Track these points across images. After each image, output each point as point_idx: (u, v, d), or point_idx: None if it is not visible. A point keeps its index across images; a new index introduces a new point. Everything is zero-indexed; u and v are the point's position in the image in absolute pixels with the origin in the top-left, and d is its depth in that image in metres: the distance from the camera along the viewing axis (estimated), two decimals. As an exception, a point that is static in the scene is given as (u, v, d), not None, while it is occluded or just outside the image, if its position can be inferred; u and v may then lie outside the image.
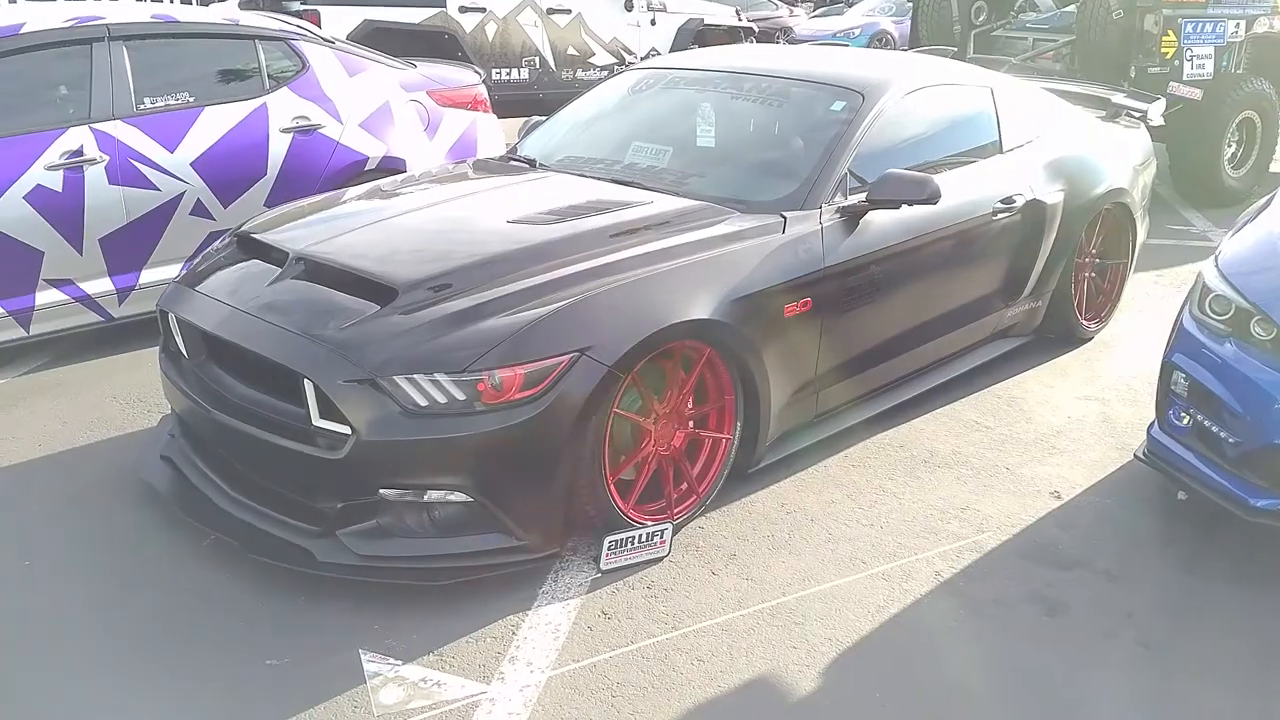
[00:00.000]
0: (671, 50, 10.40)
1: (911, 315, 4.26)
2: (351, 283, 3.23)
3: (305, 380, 2.98)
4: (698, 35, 10.65)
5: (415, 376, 2.94)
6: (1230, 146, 8.08)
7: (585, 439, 3.08)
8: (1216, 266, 3.50)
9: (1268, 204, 3.84)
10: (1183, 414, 3.46)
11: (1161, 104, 5.87)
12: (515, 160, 4.58)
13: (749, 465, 3.69)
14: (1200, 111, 7.73)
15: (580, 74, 9.85)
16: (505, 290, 3.16)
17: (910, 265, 4.12)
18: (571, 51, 9.82)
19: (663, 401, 3.35)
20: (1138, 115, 5.73)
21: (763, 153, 4.22)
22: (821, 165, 3.92)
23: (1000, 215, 4.49)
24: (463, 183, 4.25)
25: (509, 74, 9.47)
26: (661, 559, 3.28)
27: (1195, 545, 3.47)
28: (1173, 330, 3.77)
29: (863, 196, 3.88)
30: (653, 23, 10.28)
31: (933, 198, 3.83)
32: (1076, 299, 5.15)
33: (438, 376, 2.94)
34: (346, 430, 2.93)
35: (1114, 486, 3.84)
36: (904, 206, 3.91)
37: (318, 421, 3.00)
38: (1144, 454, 3.60)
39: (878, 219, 3.93)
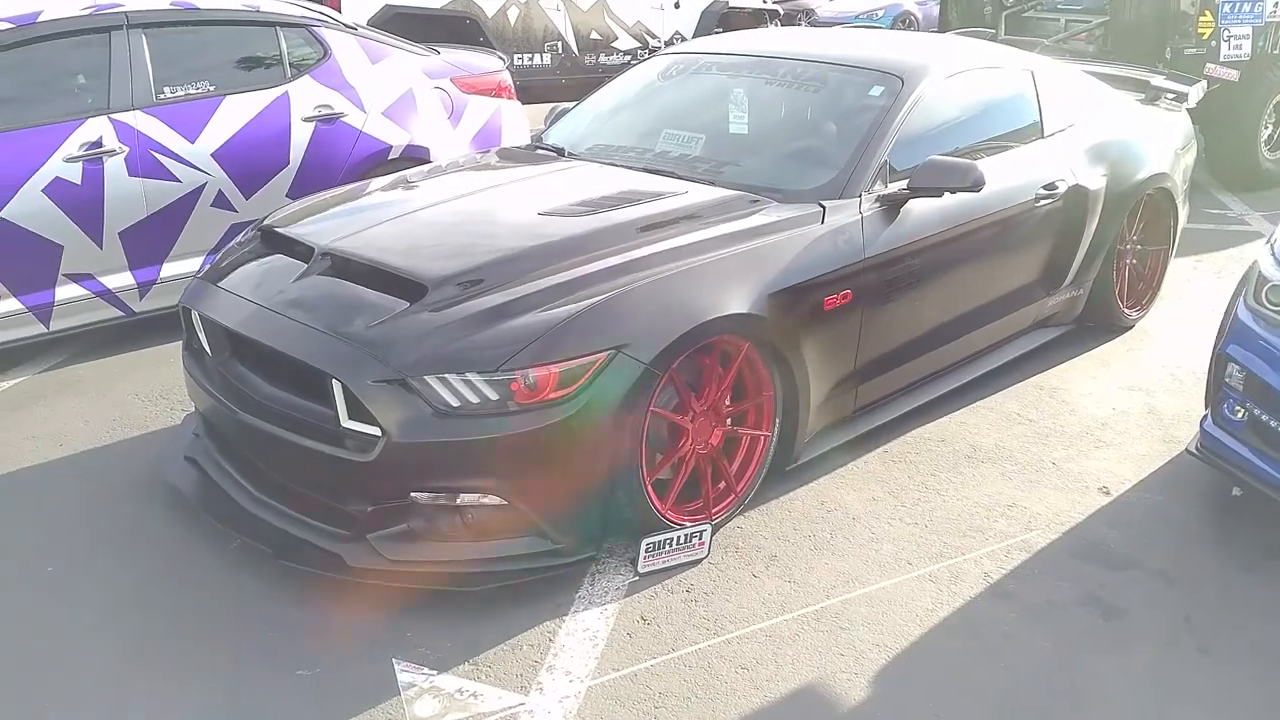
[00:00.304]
0: (696, 34, 10.26)
1: (952, 306, 4.14)
2: (379, 279, 3.13)
3: (333, 380, 2.88)
4: (722, 18, 10.51)
5: (447, 376, 2.84)
6: (1267, 128, 7.89)
7: (622, 439, 2.98)
8: (1274, 255, 3.36)
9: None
10: (1237, 408, 3.33)
11: (1202, 86, 5.71)
12: (543, 149, 4.47)
13: (787, 462, 3.59)
14: (1237, 93, 7.53)
15: (603, 59, 9.73)
16: (538, 286, 3.06)
17: (951, 255, 4.00)
18: (594, 36, 9.70)
19: (700, 399, 3.25)
20: (1177, 98, 5.59)
21: (799, 140, 4.10)
22: (860, 152, 3.80)
23: (1043, 202, 4.35)
24: (490, 173, 4.15)
25: (531, 59, 9.36)
26: (700, 561, 3.18)
27: (1252, 543, 3.34)
28: (1225, 320, 3.64)
29: (903, 184, 3.76)
30: (676, 6, 10.14)
31: (976, 185, 3.71)
32: (1118, 287, 5.01)
33: (470, 376, 2.84)
34: (376, 432, 2.84)
35: (1164, 481, 3.72)
36: (946, 195, 3.78)
37: (346, 423, 2.91)
38: (1197, 449, 3.47)
39: (918, 207, 3.81)
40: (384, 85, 5.62)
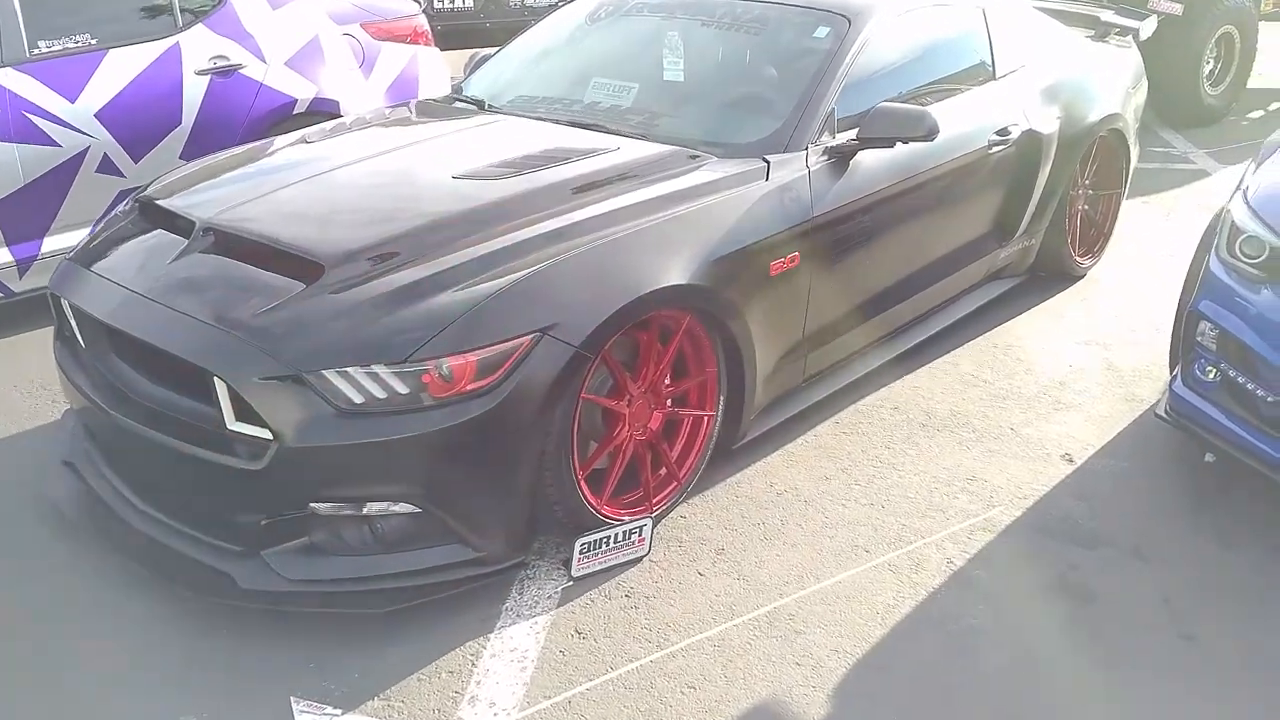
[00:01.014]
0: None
1: (904, 263, 3.88)
2: (270, 257, 2.77)
3: (215, 378, 2.53)
4: (650, -44, 10.04)
5: (349, 369, 2.50)
6: (1209, 64, 7.72)
7: (550, 431, 2.67)
8: (1247, 204, 3.13)
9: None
10: (1209, 368, 3.11)
11: (1153, 21, 5.47)
12: (461, 101, 4.09)
13: (733, 441, 3.32)
14: (1181, 27, 7.33)
15: (529, 1, 9.25)
16: (453, 261, 2.72)
17: (903, 209, 3.73)
18: (517, -24, 9.20)
19: (638, 380, 2.95)
20: (1125, 32, 5.34)
21: (740, 88, 3.77)
22: (806, 101, 3.48)
23: (995, 148, 4.09)
24: (399, 130, 3.77)
25: (453, 2, 8.86)
26: (641, 559, 2.90)
27: (1229, 514, 3.15)
28: (1193, 274, 3.43)
29: (852, 135, 3.46)
30: (602, -57, 9.66)
31: (931, 133, 3.43)
32: (1070, 234, 4.79)
33: (376, 368, 2.51)
34: (267, 435, 2.50)
35: (1131, 447, 3.51)
36: (897, 145, 3.50)
37: (233, 425, 2.56)
38: (1166, 411, 3.26)
39: (868, 159, 3.53)
40: (287, 33, 5.17)
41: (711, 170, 3.24)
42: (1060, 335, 4.37)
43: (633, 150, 3.33)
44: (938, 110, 3.76)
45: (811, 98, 3.49)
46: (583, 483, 2.82)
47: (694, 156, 3.30)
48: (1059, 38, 4.84)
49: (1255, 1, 7.74)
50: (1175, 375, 3.25)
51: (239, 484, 2.58)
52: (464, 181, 3.12)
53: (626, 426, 2.95)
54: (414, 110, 4.08)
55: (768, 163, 3.30)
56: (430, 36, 5.89)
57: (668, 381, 3.07)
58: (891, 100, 3.72)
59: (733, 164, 3.27)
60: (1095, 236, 5.02)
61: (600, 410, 2.91)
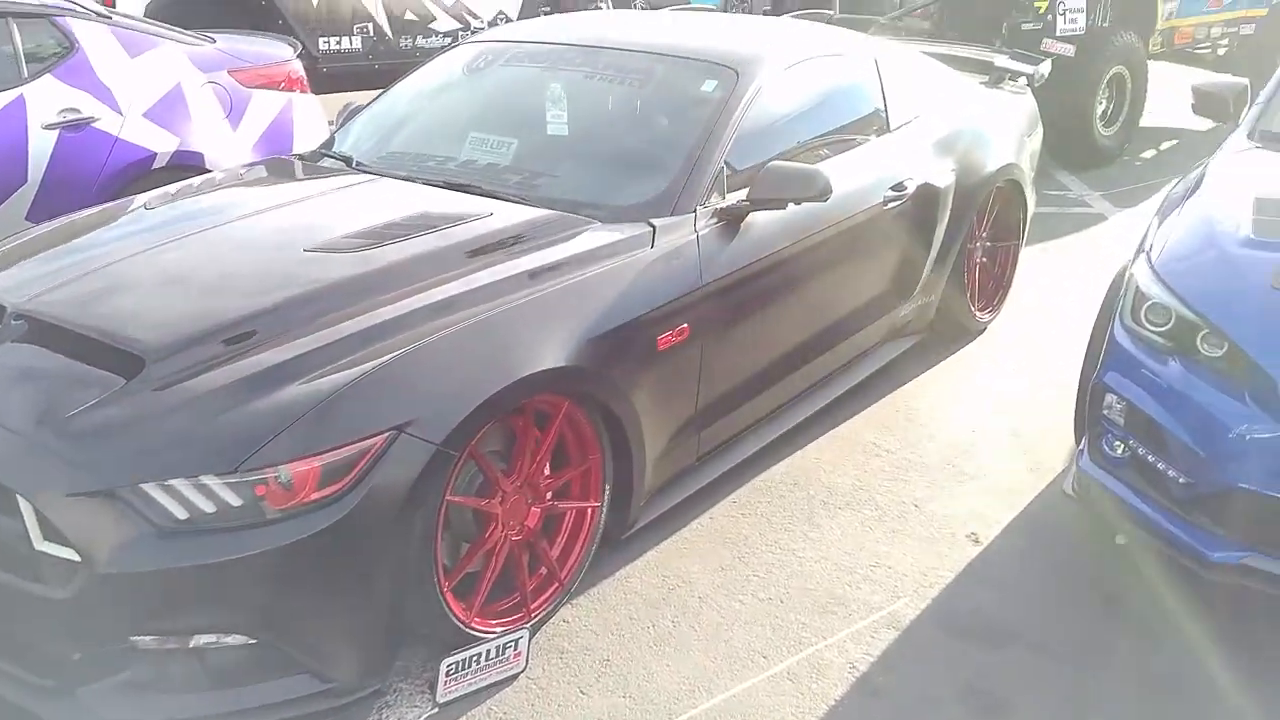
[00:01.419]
0: (521, 16, 9.57)
1: (802, 328, 3.69)
2: (88, 349, 2.45)
3: (18, 495, 2.20)
4: (548, -4, 9.85)
5: (172, 482, 2.20)
6: (1101, 104, 7.78)
7: (410, 541, 2.39)
8: (1151, 267, 3.00)
9: (1196, 185, 3.36)
10: (1116, 443, 2.97)
11: (1047, 65, 5.42)
12: (329, 157, 3.79)
13: (622, 530, 3.07)
14: (1073, 68, 7.37)
15: (421, 41, 8.96)
16: (296, 349, 2.44)
17: (799, 271, 3.54)
18: (410, 16, 8.90)
19: (512, 475, 2.68)
20: (1018, 77, 5.28)
21: (624, 145, 3.55)
22: (694, 159, 3.28)
23: (891, 204, 3.94)
24: (252, 194, 3.45)
25: (339, 43, 8.52)
26: (517, 675, 2.62)
27: (1145, 602, 2.97)
28: (1096, 340, 3.31)
29: (743, 194, 3.26)
30: (497, -18, 9.43)
31: (824, 193, 3.24)
32: (969, 288, 4.67)
33: (204, 479, 2.20)
34: (76, 558, 2.18)
35: (1038, 525, 3.35)
36: (791, 205, 3.31)
37: (40, 545, 2.23)
38: (1073, 489, 3.10)
39: (760, 220, 3.33)
40: (145, 82, 4.82)
41: (593, 237, 3.01)
42: (963, 397, 4.22)
43: (507, 215, 3.07)
44: (832, 166, 3.62)
45: (700, 156, 3.29)
46: (449, 595, 2.53)
47: (573, 222, 3.06)
48: (953, 86, 4.74)
49: (1144, 41, 7.83)
50: (1081, 450, 3.10)
51: (48, 612, 2.24)
52: (316, 255, 2.82)
53: (500, 527, 2.68)
54: (271, 170, 3.77)
55: (653, 227, 3.08)
56: (305, 82, 5.57)
57: (546, 473, 2.81)
58: (784, 156, 3.56)
59: (616, 229, 3.05)
60: (994, 289, 4.92)
61: (470, 511, 2.63)
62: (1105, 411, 2.96)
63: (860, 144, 3.99)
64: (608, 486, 2.95)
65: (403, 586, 2.41)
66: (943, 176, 4.24)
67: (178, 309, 2.59)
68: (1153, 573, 2.98)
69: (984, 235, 4.72)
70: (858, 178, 3.81)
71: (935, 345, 4.59)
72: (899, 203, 3.97)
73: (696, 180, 3.24)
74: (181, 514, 2.19)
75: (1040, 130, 5.25)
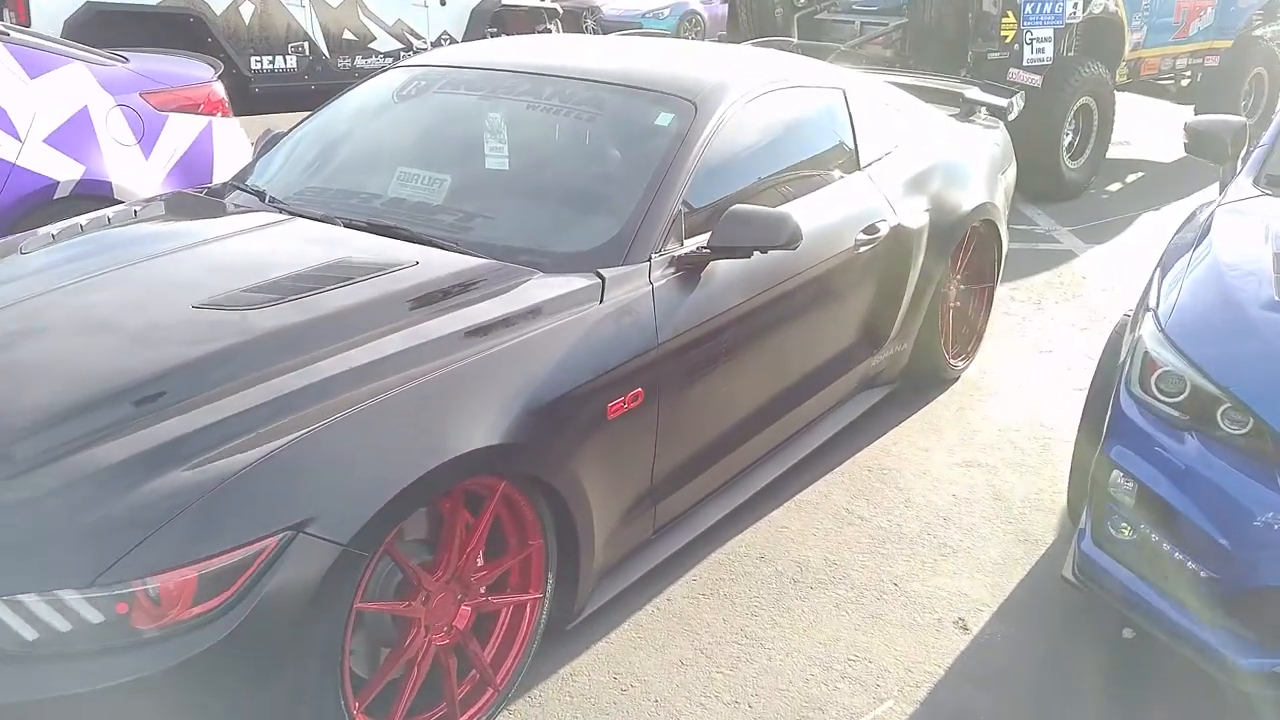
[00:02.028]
0: (466, 35, 9.22)
1: (768, 384, 3.35)
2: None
3: None
4: (494, 17, 9.50)
5: (19, 596, 1.79)
6: (1068, 136, 7.57)
7: (310, 660, 2.00)
8: (1161, 329, 2.68)
9: (1202, 235, 3.06)
10: (1124, 526, 2.64)
11: (1021, 99, 5.16)
12: (242, 191, 3.39)
13: (569, 619, 2.69)
14: (1039, 99, 7.15)
15: (360, 61, 8.58)
16: (178, 427, 2.04)
17: (765, 323, 3.20)
18: (348, 35, 8.52)
19: (437, 570, 2.30)
20: (993, 110, 5.02)
21: (570, 185, 3.18)
22: (649, 201, 2.93)
23: (863, 248, 3.61)
24: (145, 236, 3.02)
25: (273, 62, 8.11)
26: (442, 811, 2.23)
27: (1156, 707, 2.65)
28: (1095, 402, 3.00)
29: (703, 240, 2.92)
30: (442, 2, 9.07)
31: (792, 241, 2.91)
32: (943, 334, 4.36)
33: (58, 593, 1.80)
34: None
35: (1032, 611, 3.02)
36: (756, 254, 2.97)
37: None
38: (1073, 574, 2.77)
39: (722, 269, 2.99)
40: (47, 105, 4.38)
41: (533, 290, 2.64)
42: (939, 454, 3.90)
43: (436, 265, 2.70)
44: (799, 207, 3.31)
45: (655, 198, 2.93)
46: (360, 718, 2.14)
47: (511, 272, 2.69)
48: (924, 119, 4.45)
49: (1111, 72, 7.65)
50: (1083, 530, 2.77)
51: None
52: (209, 313, 2.42)
53: (423, 631, 2.29)
54: (172, 207, 3.36)
55: (603, 279, 2.72)
56: (227, 105, 5.15)
57: (479, 564, 2.43)
58: (748, 197, 3.23)
59: (560, 281, 2.68)
60: (969, 335, 4.62)
61: (387, 615, 2.24)
62: (1111, 490, 2.64)
63: (829, 182, 3.67)
64: (551, 575, 2.58)
65: (301, 710, 2.01)
66: (916, 217, 3.93)
67: (44, 377, 2.18)
68: (1167, 673, 2.66)
69: (958, 278, 4.42)
70: (827, 220, 3.49)
71: (907, 395, 4.27)
72: (871, 246, 3.65)
73: (651, 225, 2.88)
74: (29, 634, 1.79)
75: (1014, 166, 4.98)
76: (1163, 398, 2.58)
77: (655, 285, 2.80)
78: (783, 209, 3.06)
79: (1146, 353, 2.65)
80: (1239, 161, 3.65)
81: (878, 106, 4.12)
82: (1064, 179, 7.54)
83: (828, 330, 3.65)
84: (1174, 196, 7.66)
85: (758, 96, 3.41)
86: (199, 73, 5.19)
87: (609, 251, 2.82)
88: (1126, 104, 8.68)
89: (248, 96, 7.96)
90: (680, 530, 3.08)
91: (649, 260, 2.83)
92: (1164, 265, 3.02)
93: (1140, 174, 8.57)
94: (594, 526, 2.61)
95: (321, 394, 2.15)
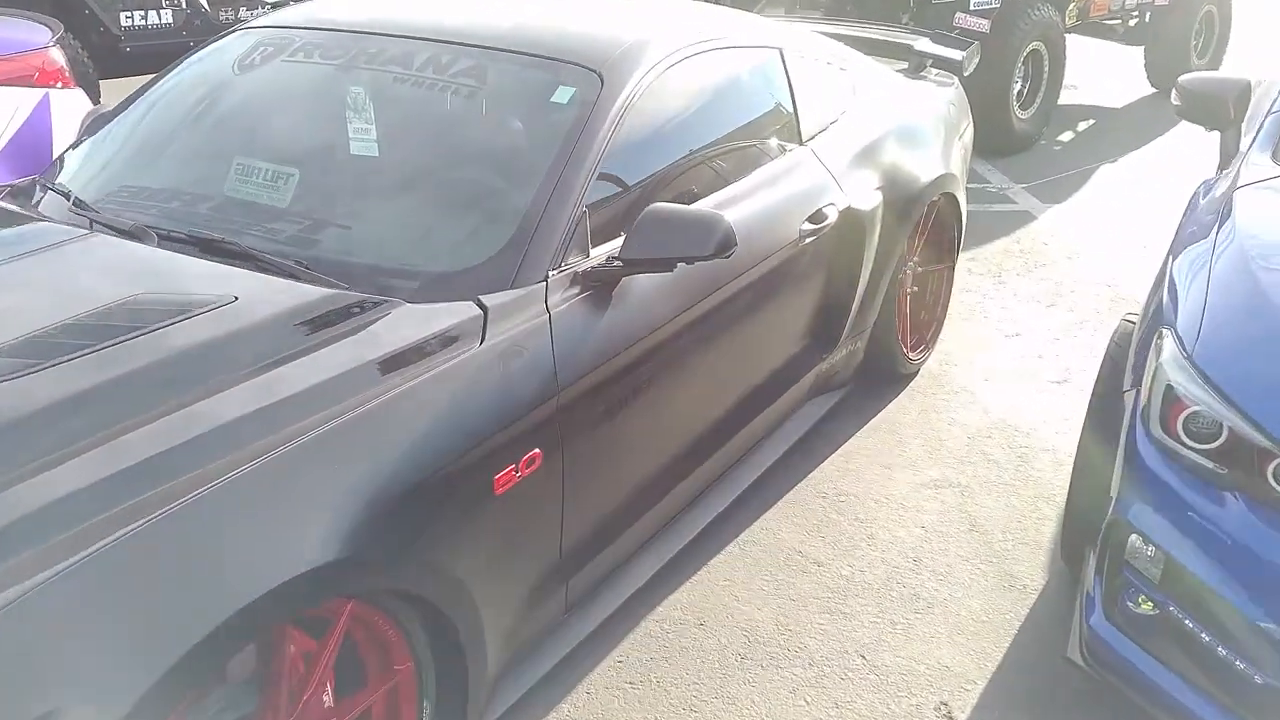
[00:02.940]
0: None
1: (702, 413, 2.78)
2: None
3: None
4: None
5: None
6: (1018, 83, 7.03)
7: None
8: (1184, 353, 2.15)
9: (1218, 224, 2.53)
10: (1143, 600, 2.13)
11: (977, 50, 4.59)
12: (50, 190, 2.69)
13: (456, 742, 2.12)
14: (987, 45, 6.58)
15: (245, 13, 7.74)
16: None
17: (696, 343, 2.63)
18: (231, -15, 7.68)
19: (264, 716, 1.71)
20: (947, 65, 4.45)
21: (444, 183, 2.54)
22: (544, 202, 2.32)
23: (809, 238, 3.04)
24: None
25: (145, 18, 7.27)
26: None
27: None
28: (1091, 442, 2.49)
29: (614, 249, 2.32)
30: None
31: (725, 248, 2.31)
32: (900, 326, 3.82)
33: None
34: None
35: (1028, 691, 2.49)
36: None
37: None
38: (1082, 656, 2.25)
39: (640, 281, 2.40)
40: None
41: (393, 329, 2.03)
42: (903, 473, 3.36)
43: (261, 301, 2.05)
44: (734, 198, 2.72)
45: (552, 197, 2.32)
46: None
47: (364, 306, 2.07)
48: (872, 79, 3.86)
49: (1061, 14, 7.11)
50: (1091, 599, 2.25)
51: None
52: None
53: (242, 816, 1.70)
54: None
55: (484, 309, 2.11)
56: (66, 74, 4.41)
57: (328, 701, 1.83)
58: (669, 189, 2.64)
59: (427, 315, 2.07)
60: (928, 322, 4.07)
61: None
62: (1130, 558, 2.11)
63: (767, 162, 3.07)
64: (428, 704, 2.00)
65: None
66: (869, 196, 3.36)
67: None
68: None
69: (916, 260, 3.86)
70: (767, 209, 2.91)
71: (862, 399, 3.73)
72: (818, 235, 3.08)
73: (547, 233, 2.28)
74: None
75: (971, 126, 4.42)
76: (1193, 444, 2.05)
77: (554, 312, 2.20)
78: (713, 206, 2.47)
79: (1169, 386, 2.12)
80: (1243, 127, 3.12)
81: (819, 67, 3.52)
82: (1014, 131, 7.01)
83: (772, 339, 3.08)
84: (1129, 146, 7.19)
85: (679, 62, 2.79)
86: (33, 37, 4.44)
87: (493, 271, 2.21)
88: (1071, 46, 8.16)
89: (119, 56, 7.15)
90: (600, 602, 2.52)
91: (545, 280, 2.23)
92: (1177, 267, 2.48)
93: (1091, 121, 8.09)
94: (484, 632, 2.04)
95: (64, 520, 1.52)
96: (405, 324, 2.04)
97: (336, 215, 2.43)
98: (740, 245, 2.43)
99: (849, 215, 3.25)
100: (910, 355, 3.91)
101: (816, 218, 3.08)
